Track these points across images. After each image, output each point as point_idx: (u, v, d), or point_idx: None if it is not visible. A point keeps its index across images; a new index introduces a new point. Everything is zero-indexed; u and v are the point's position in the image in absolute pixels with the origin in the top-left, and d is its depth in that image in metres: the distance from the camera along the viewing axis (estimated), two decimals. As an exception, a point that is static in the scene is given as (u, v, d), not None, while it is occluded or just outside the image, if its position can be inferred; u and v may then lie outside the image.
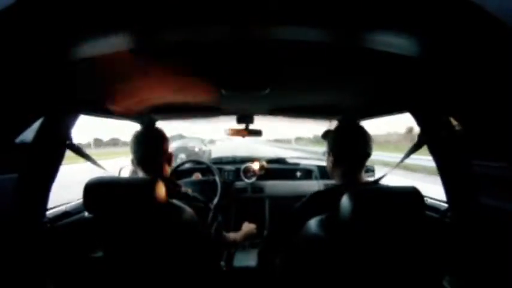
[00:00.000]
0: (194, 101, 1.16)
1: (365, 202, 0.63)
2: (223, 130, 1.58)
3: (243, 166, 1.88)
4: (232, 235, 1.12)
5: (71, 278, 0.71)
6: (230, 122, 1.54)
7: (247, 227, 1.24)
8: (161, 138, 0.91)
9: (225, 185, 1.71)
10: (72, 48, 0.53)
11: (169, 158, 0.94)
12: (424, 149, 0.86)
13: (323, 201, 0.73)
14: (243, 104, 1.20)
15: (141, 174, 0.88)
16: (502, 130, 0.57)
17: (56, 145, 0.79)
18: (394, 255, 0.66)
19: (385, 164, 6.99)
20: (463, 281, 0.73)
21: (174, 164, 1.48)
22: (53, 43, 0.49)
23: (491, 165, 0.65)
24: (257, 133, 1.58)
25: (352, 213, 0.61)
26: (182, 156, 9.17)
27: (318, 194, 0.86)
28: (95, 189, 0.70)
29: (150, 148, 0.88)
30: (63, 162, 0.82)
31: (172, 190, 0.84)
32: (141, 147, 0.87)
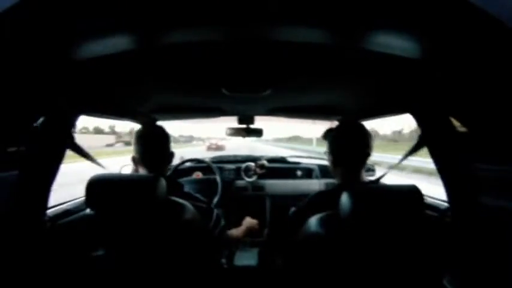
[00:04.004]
0: (195, 101, 1.16)
1: (364, 200, 0.63)
2: (223, 130, 1.58)
3: (243, 165, 1.87)
4: (234, 232, 1.10)
5: (72, 277, 0.71)
6: (230, 122, 1.54)
7: (249, 222, 1.22)
8: (163, 137, 0.91)
9: (226, 184, 1.71)
10: (73, 48, 0.53)
11: (170, 157, 0.93)
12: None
13: (326, 201, 0.73)
14: (244, 104, 1.20)
15: (142, 172, 0.88)
16: (503, 131, 0.57)
17: (56, 144, 0.79)
18: (394, 254, 0.66)
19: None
20: (463, 281, 0.74)
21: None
22: (54, 43, 0.49)
23: (492, 166, 0.65)
24: (258, 133, 1.57)
25: (351, 211, 0.61)
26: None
27: (320, 194, 0.87)
28: (97, 186, 0.69)
29: (152, 146, 0.88)
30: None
31: (174, 190, 0.84)
32: (144, 146, 0.87)
